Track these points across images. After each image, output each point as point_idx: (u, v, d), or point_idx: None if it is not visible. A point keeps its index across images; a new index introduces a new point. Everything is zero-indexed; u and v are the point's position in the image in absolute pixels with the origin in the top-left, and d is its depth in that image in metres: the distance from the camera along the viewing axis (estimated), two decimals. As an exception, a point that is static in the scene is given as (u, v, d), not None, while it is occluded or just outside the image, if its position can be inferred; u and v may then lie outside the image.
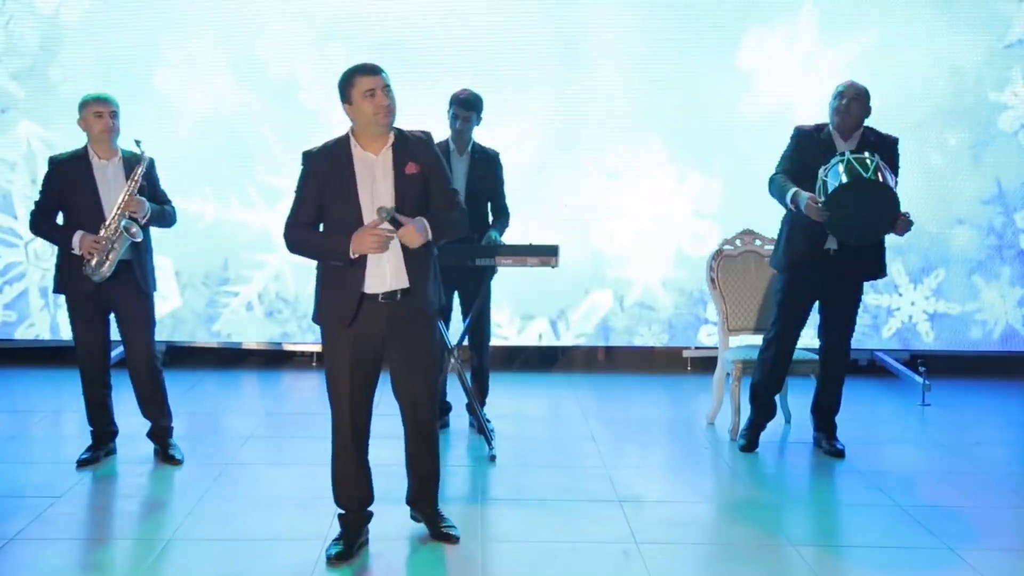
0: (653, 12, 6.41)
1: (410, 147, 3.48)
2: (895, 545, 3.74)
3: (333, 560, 3.49)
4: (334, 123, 6.23)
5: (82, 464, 4.48)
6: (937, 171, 6.51)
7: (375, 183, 3.42)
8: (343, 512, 3.62)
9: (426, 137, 3.54)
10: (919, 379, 5.98)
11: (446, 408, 5.20)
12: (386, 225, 3.35)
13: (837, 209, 4.40)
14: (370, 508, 3.65)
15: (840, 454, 4.80)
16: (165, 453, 4.57)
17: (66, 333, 6.53)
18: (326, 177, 3.43)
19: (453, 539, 3.61)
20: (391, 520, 3.81)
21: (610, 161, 6.52)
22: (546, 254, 4.77)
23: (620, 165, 6.53)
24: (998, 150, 6.51)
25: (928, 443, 5.21)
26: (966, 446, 5.09)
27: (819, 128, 4.72)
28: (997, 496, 4.35)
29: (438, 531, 3.65)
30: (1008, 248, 6.61)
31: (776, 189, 4.70)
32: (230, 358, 7.01)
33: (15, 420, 5.28)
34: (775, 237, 4.93)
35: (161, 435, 4.60)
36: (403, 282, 3.44)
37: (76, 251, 4.32)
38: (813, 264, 4.67)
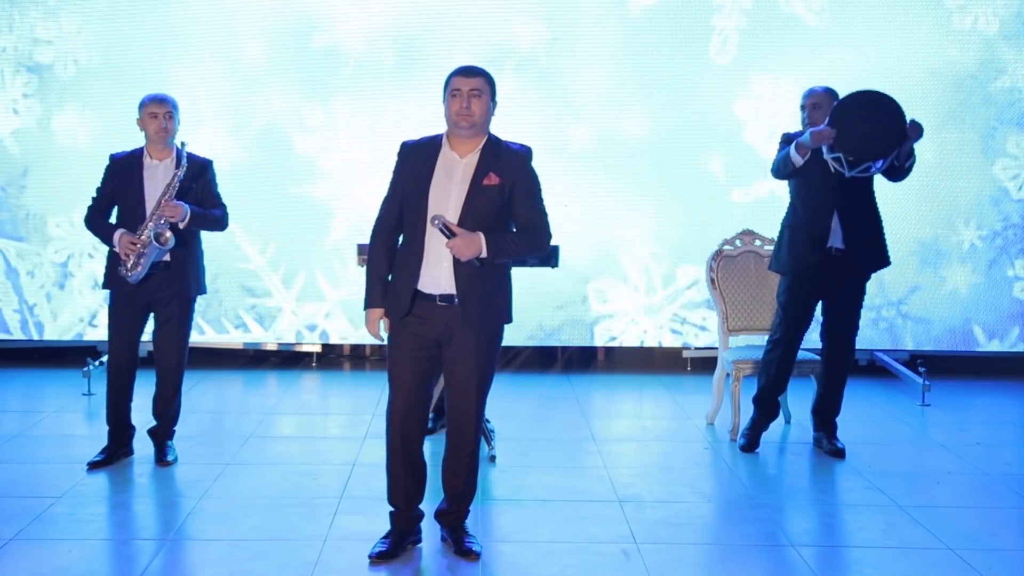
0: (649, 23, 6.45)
1: (501, 158, 3.43)
2: (895, 545, 3.74)
3: (373, 559, 3.47)
4: (330, 171, 6.44)
5: (93, 466, 4.44)
6: (933, 216, 6.59)
7: (450, 184, 3.41)
8: (392, 510, 3.59)
9: (523, 151, 3.48)
10: (919, 379, 5.98)
11: (444, 408, 5.20)
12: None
13: (844, 124, 4.44)
14: (421, 507, 3.62)
15: (840, 454, 4.80)
16: (160, 453, 4.57)
17: (64, 334, 6.58)
18: (412, 170, 3.45)
19: (473, 555, 3.53)
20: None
21: (610, 161, 6.54)
22: (547, 254, 4.76)
23: (619, 165, 6.55)
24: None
25: (928, 443, 5.21)
26: (966, 446, 5.09)
27: (800, 133, 4.78)
28: (997, 496, 4.35)
29: (460, 547, 3.56)
30: (1009, 302, 6.65)
31: (778, 162, 4.73)
32: (231, 358, 7.01)
33: (15, 420, 5.28)
34: (774, 238, 4.94)
35: (162, 435, 4.60)
36: (454, 288, 3.41)
37: (116, 248, 4.36)
38: (817, 264, 4.68)
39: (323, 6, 6.43)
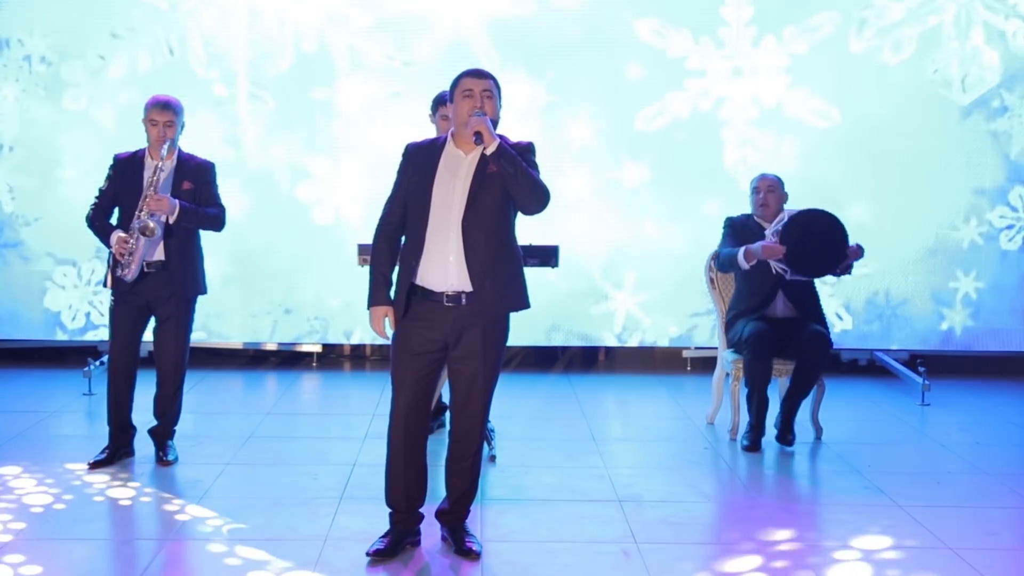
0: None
1: None
2: (895, 545, 3.74)
3: (371, 556, 3.47)
4: (326, 226, 6.52)
5: (95, 465, 4.45)
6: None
7: (455, 180, 3.42)
8: (391, 511, 3.59)
9: (525, 143, 3.50)
10: (919, 379, 5.98)
11: (443, 408, 5.21)
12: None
13: (791, 240, 4.74)
14: (421, 510, 3.62)
15: (785, 442, 4.91)
16: (161, 452, 4.57)
17: (64, 334, 6.58)
18: (415, 169, 3.47)
19: (474, 555, 3.53)
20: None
21: (608, 161, 6.55)
22: (546, 255, 4.77)
23: (617, 164, 6.56)
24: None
25: (928, 443, 5.21)
26: (966, 446, 5.10)
27: (747, 217, 5.14)
28: (997, 496, 4.35)
29: (460, 547, 3.57)
30: None
31: (725, 258, 5.07)
32: (231, 358, 7.01)
33: (15, 420, 5.28)
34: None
35: (163, 435, 4.60)
36: (466, 284, 3.41)
37: (112, 249, 4.37)
38: (768, 330, 4.87)
39: (324, 63, 6.46)
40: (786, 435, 4.92)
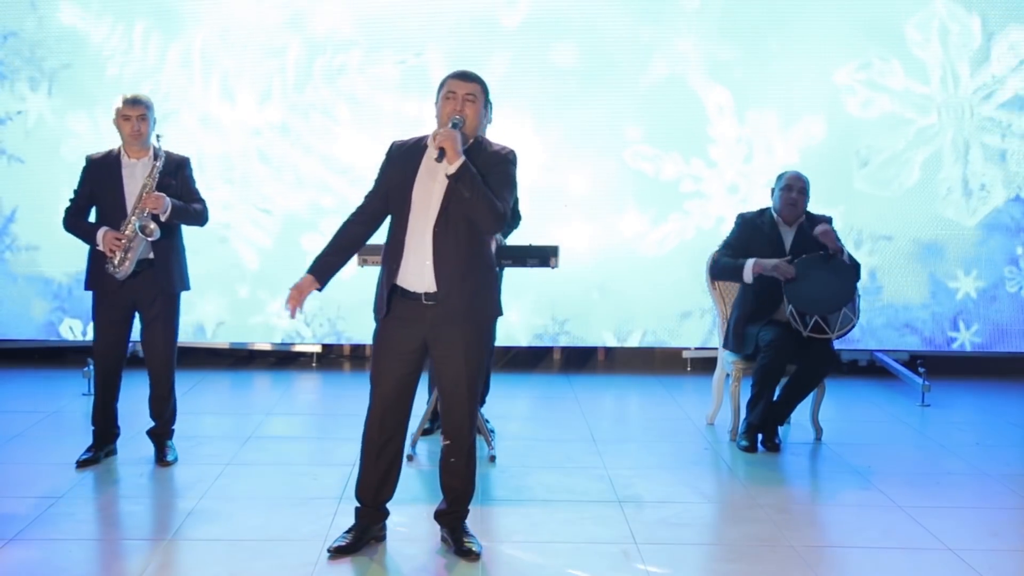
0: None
1: (483, 154, 3.42)
2: (895, 545, 3.74)
3: (333, 552, 3.48)
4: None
5: (82, 464, 4.46)
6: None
7: (433, 184, 3.41)
8: (358, 505, 3.60)
9: (505, 151, 3.48)
10: (919, 379, 5.98)
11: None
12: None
13: (802, 273, 4.75)
14: (388, 506, 3.63)
15: (772, 447, 4.89)
16: (161, 453, 4.57)
17: (63, 334, 6.57)
18: (397, 168, 3.48)
19: (473, 555, 3.53)
20: (389, 520, 3.80)
21: (610, 160, 6.55)
22: (546, 254, 4.76)
23: (618, 163, 6.56)
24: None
25: (928, 443, 5.21)
26: (966, 446, 5.10)
27: (761, 213, 5.07)
28: (997, 496, 4.35)
29: (460, 547, 3.56)
30: None
31: (725, 267, 5.01)
32: (230, 358, 7.01)
33: (15, 420, 5.28)
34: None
35: (161, 435, 4.60)
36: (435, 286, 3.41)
37: (100, 247, 4.35)
38: (782, 334, 4.84)
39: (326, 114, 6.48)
40: (772, 439, 4.91)
